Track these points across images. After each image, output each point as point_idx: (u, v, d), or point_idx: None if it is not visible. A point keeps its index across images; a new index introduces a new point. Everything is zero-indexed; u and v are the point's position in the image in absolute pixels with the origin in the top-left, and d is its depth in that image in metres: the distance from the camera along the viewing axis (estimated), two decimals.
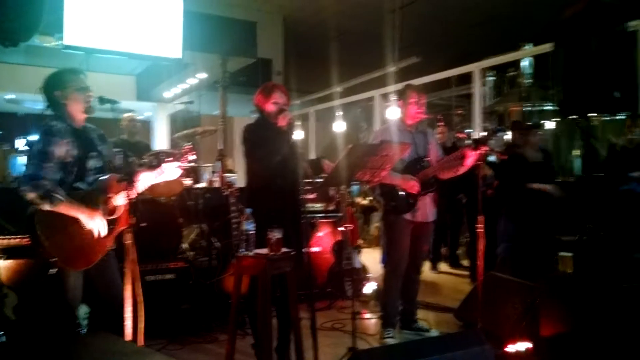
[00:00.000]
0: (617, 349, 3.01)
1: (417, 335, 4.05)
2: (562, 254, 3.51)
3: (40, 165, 2.66)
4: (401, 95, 3.97)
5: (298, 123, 3.25)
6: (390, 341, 3.89)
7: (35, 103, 2.99)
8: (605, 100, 3.61)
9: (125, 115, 5.66)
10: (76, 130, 2.87)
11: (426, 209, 3.91)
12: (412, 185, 3.74)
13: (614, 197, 4.36)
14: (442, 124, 6.14)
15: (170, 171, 3.04)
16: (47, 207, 2.62)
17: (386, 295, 4.03)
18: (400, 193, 3.81)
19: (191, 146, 3.18)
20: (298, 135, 3.14)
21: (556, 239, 4.39)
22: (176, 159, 3.05)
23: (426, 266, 6.59)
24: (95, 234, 2.78)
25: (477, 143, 3.63)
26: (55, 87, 2.86)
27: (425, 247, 4.12)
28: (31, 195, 2.60)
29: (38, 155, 2.69)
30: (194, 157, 3.13)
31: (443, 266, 6.86)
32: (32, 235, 2.68)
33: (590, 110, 3.89)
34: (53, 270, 2.69)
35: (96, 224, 2.77)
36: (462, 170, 3.81)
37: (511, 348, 3.33)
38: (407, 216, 3.84)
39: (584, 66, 3.63)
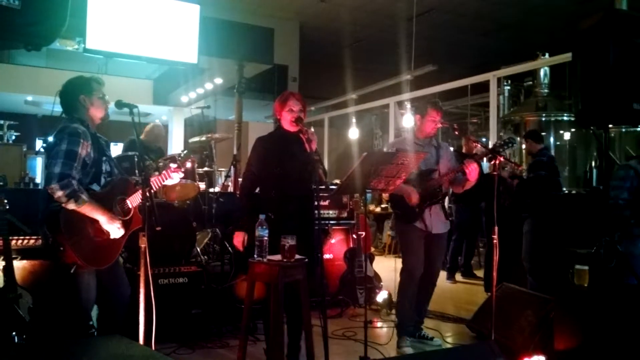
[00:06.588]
0: None
1: (420, 342, 4.04)
2: (577, 267, 3.44)
3: (70, 165, 2.71)
4: (421, 110, 3.97)
5: (312, 130, 3.25)
6: (407, 350, 3.87)
7: (55, 105, 3.03)
8: (624, 112, 3.57)
9: (153, 123, 6.02)
10: (93, 134, 2.94)
11: (436, 221, 3.90)
12: (410, 196, 3.77)
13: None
14: (457, 133, 6.11)
15: (174, 175, 3.14)
16: (72, 206, 2.67)
17: (401, 304, 3.99)
18: (407, 202, 3.83)
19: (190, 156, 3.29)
20: (315, 145, 3.14)
21: (572, 252, 4.33)
22: (178, 164, 3.11)
23: (442, 275, 6.58)
24: (113, 236, 2.84)
25: (493, 153, 3.60)
26: (81, 92, 2.93)
27: (439, 260, 4.09)
28: (59, 194, 2.64)
29: (66, 154, 2.72)
30: (193, 164, 3.17)
31: (456, 276, 6.81)
32: (54, 233, 2.72)
33: (609, 122, 3.84)
34: (72, 269, 2.73)
35: (114, 228, 2.83)
36: (468, 184, 3.79)
37: None
38: (418, 224, 3.86)
39: (603, 77, 3.58)
